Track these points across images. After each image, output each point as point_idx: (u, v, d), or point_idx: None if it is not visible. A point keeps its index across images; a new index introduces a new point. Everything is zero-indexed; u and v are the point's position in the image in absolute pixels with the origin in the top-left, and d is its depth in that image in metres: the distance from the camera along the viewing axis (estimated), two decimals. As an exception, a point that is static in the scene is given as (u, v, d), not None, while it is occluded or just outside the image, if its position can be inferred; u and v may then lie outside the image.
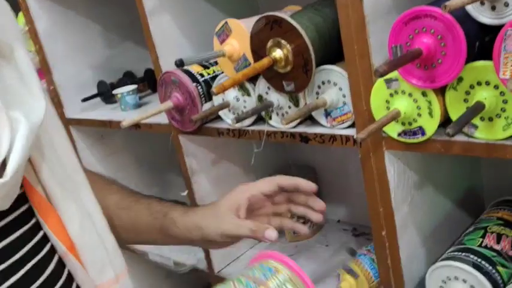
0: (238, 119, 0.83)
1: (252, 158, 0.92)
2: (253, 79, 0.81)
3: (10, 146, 0.45)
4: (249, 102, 0.86)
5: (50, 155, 0.53)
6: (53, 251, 0.55)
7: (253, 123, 0.87)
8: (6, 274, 0.50)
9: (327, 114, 0.77)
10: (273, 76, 0.77)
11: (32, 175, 0.53)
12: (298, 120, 0.79)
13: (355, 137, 0.72)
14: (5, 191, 0.46)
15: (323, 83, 0.75)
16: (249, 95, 0.86)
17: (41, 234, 0.54)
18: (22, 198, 0.52)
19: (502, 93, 0.56)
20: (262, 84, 0.82)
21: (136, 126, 1.08)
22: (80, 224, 0.56)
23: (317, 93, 0.76)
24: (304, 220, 0.75)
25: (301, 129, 0.80)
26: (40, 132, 0.51)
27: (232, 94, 0.88)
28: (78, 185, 0.57)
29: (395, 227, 0.73)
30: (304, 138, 0.79)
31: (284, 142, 0.83)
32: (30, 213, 0.53)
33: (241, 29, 0.81)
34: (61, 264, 0.55)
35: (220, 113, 0.92)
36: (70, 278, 0.56)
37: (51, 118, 0.54)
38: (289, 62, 0.73)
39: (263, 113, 0.84)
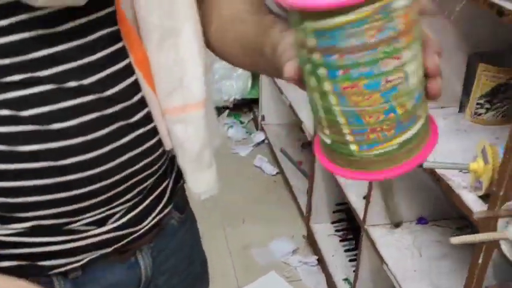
0: None
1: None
2: None
3: None
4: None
5: None
6: (131, 68, 0.52)
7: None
8: (82, 72, 0.48)
9: None
10: None
11: None
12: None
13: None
14: None
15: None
16: None
17: (120, 44, 0.51)
18: (109, 0, 0.50)
19: None
20: None
21: None
22: (159, 39, 0.51)
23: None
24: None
25: (504, 3, 0.77)
26: None
27: None
28: None
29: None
30: (500, 12, 0.76)
31: (483, 9, 0.80)
32: (112, 19, 0.50)
33: None
34: (137, 85, 0.52)
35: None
36: (143, 101, 0.53)
37: None
38: None
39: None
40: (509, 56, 1.09)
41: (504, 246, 0.77)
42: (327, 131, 0.37)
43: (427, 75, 0.36)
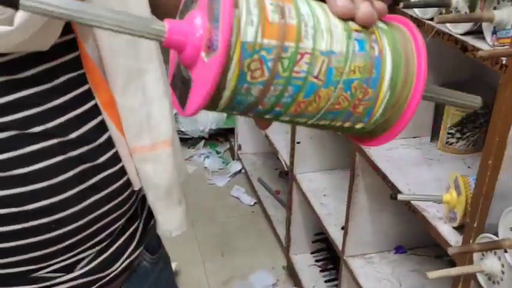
0: (408, 5, 0.84)
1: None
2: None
3: None
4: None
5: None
6: (97, 109, 0.51)
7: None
8: (46, 117, 0.47)
9: (494, 32, 0.73)
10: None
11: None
12: (467, 29, 0.78)
13: (504, 62, 0.69)
14: (23, 36, 0.41)
15: None
16: None
17: (86, 87, 0.51)
18: (73, 44, 0.49)
19: None
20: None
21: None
22: (125, 81, 0.51)
23: (495, 8, 0.73)
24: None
25: (466, 38, 0.78)
26: None
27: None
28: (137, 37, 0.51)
29: (502, 160, 0.72)
30: (464, 47, 0.78)
31: (447, 45, 0.81)
32: (77, 63, 0.50)
33: None
34: (104, 125, 0.52)
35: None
36: (110, 142, 0.53)
37: None
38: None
39: (443, 11, 0.83)
40: (474, 86, 1.12)
41: (481, 279, 0.78)
42: (331, 132, 0.36)
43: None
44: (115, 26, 0.28)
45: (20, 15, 0.40)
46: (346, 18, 0.32)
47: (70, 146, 0.49)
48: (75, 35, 0.49)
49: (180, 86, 0.34)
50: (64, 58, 0.49)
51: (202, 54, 0.30)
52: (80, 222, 0.51)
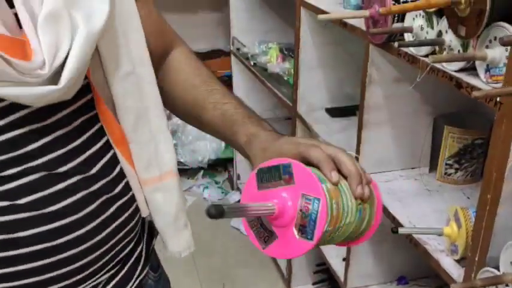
0: (403, 44, 0.90)
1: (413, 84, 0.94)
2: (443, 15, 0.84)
3: (69, 51, 0.46)
4: (430, 35, 0.88)
5: (114, 48, 0.54)
6: (109, 145, 0.56)
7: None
8: (68, 157, 0.52)
9: (487, 69, 0.76)
10: (453, 16, 0.79)
11: (96, 66, 0.53)
12: (461, 66, 0.80)
13: (498, 99, 0.71)
14: (62, 92, 0.47)
15: (495, 38, 0.74)
16: (432, 27, 0.87)
17: (97, 126, 0.55)
18: (86, 89, 0.54)
19: None
20: (445, 23, 0.83)
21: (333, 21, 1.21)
22: (135, 119, 0.57)
23: (487, 46, 0.75)
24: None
25: (461, 75, 0.80)
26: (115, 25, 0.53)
27: (419, 22, 0.90)
28: (140, 79, 0.57)
29: (501, 195, 0.73)
30: (459, 84, 0.80)
31: (442, 82, 0.84)
32: (91, 104, 0.55)
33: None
34: (115, 159, 0.57)
35: (406, 36, 0.94)
36: (122, 173, 0.57)
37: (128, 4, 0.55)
38: (468, 7, 0.74)
39: (437, 49, 0.86)
40: (470, 118, 1.13)
41: (484, 313, 0.77)
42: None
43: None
44: (255, 215, 0.51)
45: (66, 76, 0.46)
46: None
47: (92, 181, 0.54)
48: (88, 80, 0.54)
49: (258, 225, 0.53)
50: (80, 102, 0.54)
51: (295, 230, 0.49)
52: (101, 250, 0.55)
